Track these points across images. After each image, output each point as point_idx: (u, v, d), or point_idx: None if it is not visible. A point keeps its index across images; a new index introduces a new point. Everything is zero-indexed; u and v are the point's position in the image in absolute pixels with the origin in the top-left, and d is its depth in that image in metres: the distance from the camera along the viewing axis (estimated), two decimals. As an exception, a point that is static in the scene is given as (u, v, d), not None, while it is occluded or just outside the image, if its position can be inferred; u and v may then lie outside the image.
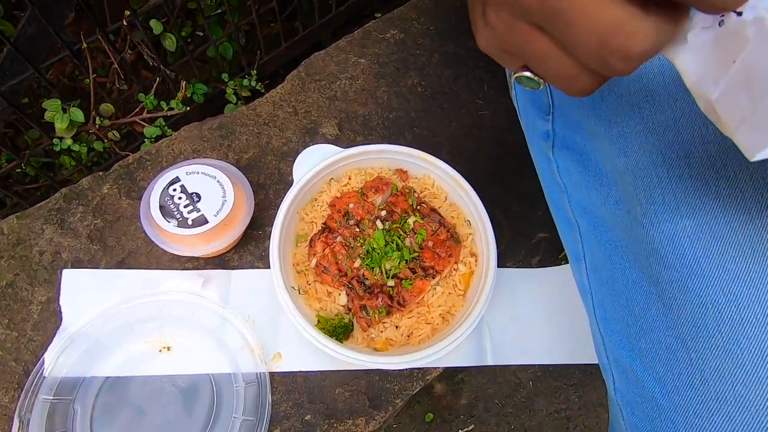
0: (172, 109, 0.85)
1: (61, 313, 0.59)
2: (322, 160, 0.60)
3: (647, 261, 0.40)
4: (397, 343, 0.56)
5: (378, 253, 0.56)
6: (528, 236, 0.70)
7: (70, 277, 0.60)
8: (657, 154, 0.40)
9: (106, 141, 0.84)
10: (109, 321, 0.58)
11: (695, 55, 0.25)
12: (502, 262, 0.67)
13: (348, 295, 0.56)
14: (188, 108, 0.87)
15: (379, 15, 0.85)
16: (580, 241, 0.51)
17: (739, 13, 0.23)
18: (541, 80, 0.29)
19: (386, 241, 0.57)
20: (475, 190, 0.59)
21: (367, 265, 0.56)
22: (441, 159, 0.61)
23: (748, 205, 0.35)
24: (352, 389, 0.59)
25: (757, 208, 0.35)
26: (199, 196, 0.58)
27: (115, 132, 0.83)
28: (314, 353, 0.58)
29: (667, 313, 0.39)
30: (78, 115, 0.72)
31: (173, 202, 0.58)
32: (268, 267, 0.56)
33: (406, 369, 0.60)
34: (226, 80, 0.92)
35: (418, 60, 0.79)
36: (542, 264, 0.69)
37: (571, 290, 0.56)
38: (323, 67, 0.77)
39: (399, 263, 0.56)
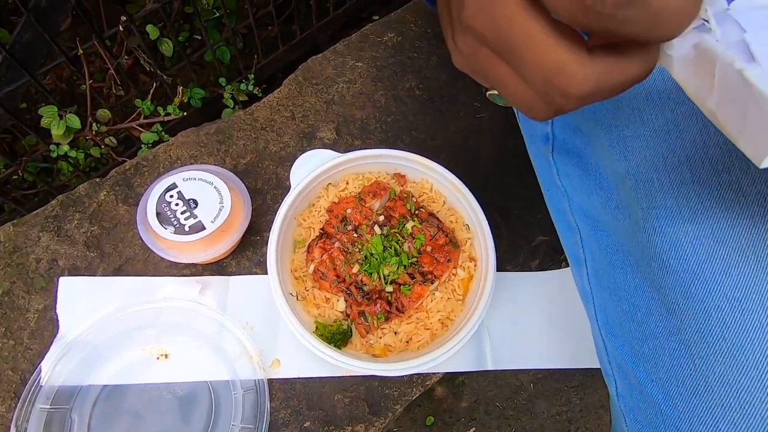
0: (168, 114, 0.84)
1: (57, 321, 0.58)
2: (319, 165, 0.59)
3: (649, 266, 0.40)
4: (396, 349, 0.55)
5: (376, 259, 0.56)
6: (527, 239, 0.70)
7: (66, 285, 0.60)
8: (658, 158, 0.40)
9: (103, 147, 0.83)
10: (107, 329, 0.58)
11: (686, 67, 0.25)
12: (501, 266, 0.66)
13: (346, 301, 0.56)
14: (185, 113, 0.87)
15: (377, 18, 0.85)
16: (581, 245, 0.51)
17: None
18: None
19: (384, 246, 0.56)
20: (473, 193, 0.59)
21: (365, 270, 0.56)
22: (439, 162, 0.60)
23: (751, 208, 0.35)
24: (352, 395, 0.59)
25: (761, 212, 0.34)
26: (196, 202, 0.58)
27: (112, 138, 0.82)
28: (313, 359, 0.57)
29: (670, 318, 0.38)
30: (74, 121, 0.72)
31: (170, 209, 0.57)
32: (266, 273, 0.55)
33: (406, 375, 0.59)
34: (224, 85, 0.92)
35: (415, 63, 0.79)
36: (542, 267, 0.69)
37: (572, 293, 0.56)
38: (320, 71, 0.77)
39: (397, 269, 0.55)
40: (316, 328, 0.55)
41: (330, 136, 0.72)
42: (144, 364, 0.57)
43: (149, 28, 0.80)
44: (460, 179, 0.59)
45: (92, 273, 0.61)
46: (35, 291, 0.60)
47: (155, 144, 0.83)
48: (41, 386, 0.54)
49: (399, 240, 0.57)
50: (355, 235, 0.58)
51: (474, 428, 1.09)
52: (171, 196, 0.58)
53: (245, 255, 0.64)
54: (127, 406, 0.56)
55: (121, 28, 0.72)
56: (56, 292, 0.59)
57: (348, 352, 0.55)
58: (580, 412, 1.13)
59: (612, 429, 0.48)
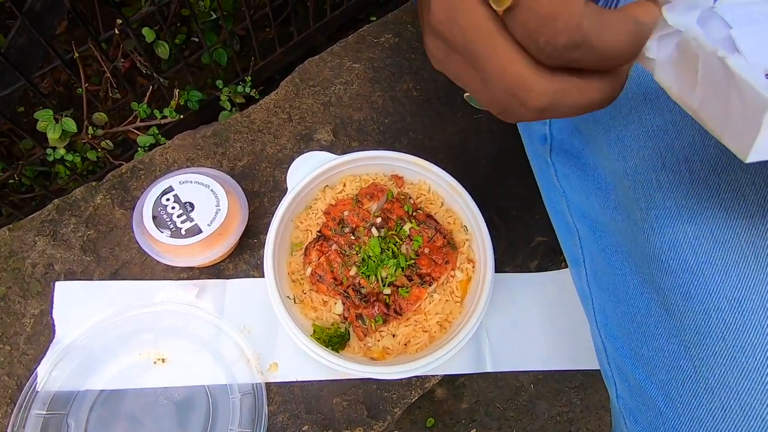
0: (165, 117, 0.84)
1: (54, 325, 0.58)
2: (316, 168, 0.59)
3: (648, 267, 0.39)
4: (394, 351, 0.55)
5: (374, 261, 0.55)
6: (526, 240, 0.70)
7: (63, 290, 0.59)
8: (657, 158, 0.39)
9: (99, 150, 0.83)
10: (103, 333, 0.57)
11: (668, 68, 0.26)
12: (500, 267, 0.66)
13: (344, 303, 0.55)
14: (182, 116, 0.86)
15: (375, 19, 0.85)
16: (580, 246, 0.50)
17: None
18: None
19: (382, 248, 0.56)
20: (472, 194, 0.58)
21: (362, 273, 0.55)
22: (437, 163, 0.60)
23: (750, 208, 0.35)
24: (350, 399, 0.59)
25: (760, 212, 0.34)
26: (192, 205, 0.58)
27: (108, 141, 0.82)
28: (311, 363, 0.57)
29: (669, 319, 0.38)
30: (70, 125, 0.72)
31: (166, 212, 0.57)
32: (264, 276, 0.55)
33: (404, 378, 0.59)
34: (221, 87, 0.91)
35: (413, 64, 0.79)
36: (541, 268, 0.69)
37: (571, 294, 0.56)
38: (317, 72, 0.77)
39: (395, 271, 0.55)
40: (314, 331, 0.55)
41: (327, 138, 0.72)
42: (141, 368, 0.57)
43: (145, 30, 0.80)
44: (458, 180, 0.59)
45: (89, 277, 0.61)
46: (31, 296, 0.60)
47: (152, 147, 0.83)
48: (37, 391, 0.54)
49: (396, 242, 0.57)
50: (353, 237, 0.57)
51: (474, 429, 1.09)
52: (167, 200, 0.57)
53: (242, 258, 0.64)
54: (124, 411, 0.55)
55: (116, 31, 0.72)
56: (52, 296, 0.59)
57: (346, 355, 0.54)
58: (581, 412, 1.12)
59: (612, 431, 0.47)
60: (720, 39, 0.24)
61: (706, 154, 0.37)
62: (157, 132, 0.85)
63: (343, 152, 0.61)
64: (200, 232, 0.56)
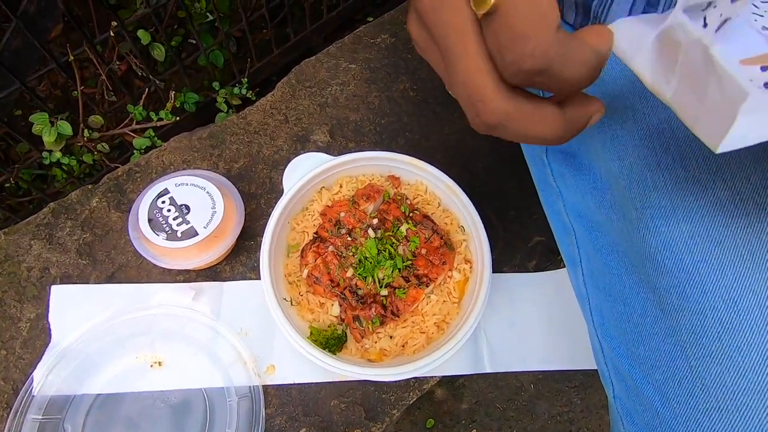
0: (161, 119, 0.84)
1: (50, 329, 0.58)
2: (313, 169, 0.59)
3: (644, 266, 0.39)
4: (392, 353, 0.55)
5: (370, 262, 0.55)
6: (524, 240, 0.69)
7: (58, 293, 0.59)
8: (651, 157, 0.39)
9: (95, 153, 0.83)
10: (99, 337, 0.57)
11: (646, 57, 0.26)
12: (498, 267, 0.66)
13: (341, 305, 0.55)
14: (178, 118, 0.86)
15: (372, 19, 0.85)
16: (576, 245, 0.50)
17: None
18: None
19: (378, 249, 0.56)
20: (469, 194, 0.58)
21: (359, 274, 0.55)
22: (435, 163, 0.60)
23: (746, 207, 0.34)
24: (348, 401, 0.58)
25: (756, 211, 0.34)
26: (188, 207, 0.57)
27: (104, 144, 0.82)
28: (308, 365, 0.57)
29: (665, 319, 0.38)
30: (66, 128, 0.71)
31: (162, 215, 0.57)
32: (261, 278, 0.55)
33: (402, 380, 0.59)
34: (217, 89, 0.91)
35: (409, 64, 0.79)
36: (539, 268, 0.68)
37: (570, 294, 0.55)
38: (314, 73, 0.77)
39: (392, 272, 0.55)
40: (311, 333, 0.55)
41: (324, 139, 0.72)
42: (137, 372, 0.57)
43: (140, 33, 0.80)
44: (455, 180, 0.59)
45: (84, 281, 0.61)
46: (27, 300, 0.59)
47: (148, 149, 0.83)
48: (33, 396, 0.54)
49: (393, 243, 0.57)
50: (349, 238, 0.57)
51: (475, 430, 1.09)
52: (163, 202, 0.57)
53: (239, 260, 0.63)
54: (120, 415, 0.55)
55: (111, 34, 0.72)
56: (48, 300, 0.59)
57: (343, 357, 0.54)
58: (582, 412, 1.12)
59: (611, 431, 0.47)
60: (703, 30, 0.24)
61: (701, 153, 0.36)
62: (153, 134, 0.85)
63: (340, 153, 0.61)
64: (196, 234, 0.56)
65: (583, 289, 0.49)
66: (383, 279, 0.55)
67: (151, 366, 0.57)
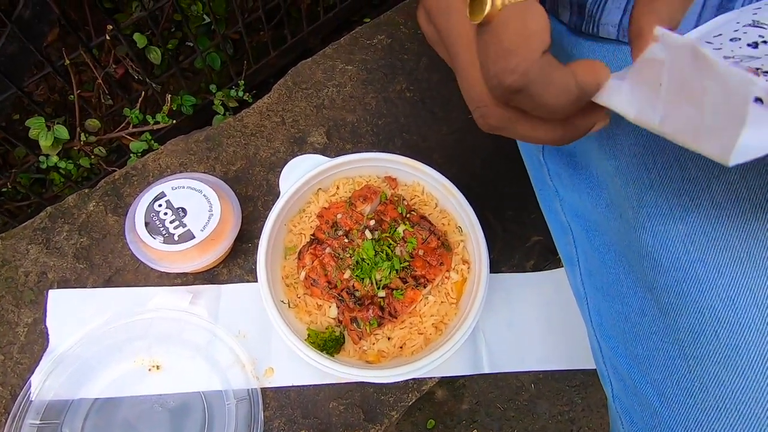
0: (158, 122, 0.84)
1: (47, 334, 0.58)
2: (309, 171, 0.59)
3: (641, 265, 0.39)
4: (390, 354, 0.55)
5: (368, 264, 0.55)
6: (522, 239, 0.69)
7: (56, 298, 0.59)
8: (647, 156, 0.39)
9: (92, 157, 0.83)
10: (97, 341, 0.57)
11: (625, 92, 0.26)
12: (496, 267, 0.66)
13: (338, 307, 0.55)
14: (175, 121, 0.86)
15: (368, 20, 0.84)
16: (574, 245, 0.50)
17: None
18: None
19: (376, 251, 0.55)
20: (467, 194, 0.58)
21: (357, 276, 0.55)
22: (432, 164, 0.60)
23: (742, 206, 0.34)
24: (347, 402, 0.58)
25: (752, 210, 0.34)
26: (185, 211, 0.57)
27: (101, 148, 0.82)
28: (307, 367, 0.56)
29: (663, 318, 0.37)
30: (62, 132, 0.71)
31: (159, 218, 0.57)
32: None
33: (400, 381, 0.58)
34: (214, 91, 0.91)
35: (406, 65, 0.79)
36: (537, 267, 0.68)
37: (568, 294, 0.55)
38: (310, 75, 0.76)
39: (389, 273, 0.55)
40: (309, 335, 0.55)
41: (321, 141, 0.71)
42: (135, 376, 0.56)
43: (136, 36, 0.80)
44: (452, 180, 0.59)
45: (82, 285, 0.61)
46: (24, 304, 0.59)
47: (145, 153, 0.83)
48: (31, 401, 0.54)
49: (390, 244, 0.56)
50: (346, 240, 0.57)
51: (476, 430, 1.09)
52: (159, 206, 0.57)
53: (236, 263, 0.63)
54: (119, 419, 0.55)
55: (108, 37, 0.72)
56: (46, 304, 0.59)
57: (341, 359, 0.54)
58: (582, 411, 1.12)
59: (610, 431, 0.47)
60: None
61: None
62: (150, 138, 0.85)
63: (337, 155, 0.61)
64: (193, 237, 0.56)
65: (581, 289, 0.49)
66: (381, 280, 0.55)
67: (149, 370, 0.57)
